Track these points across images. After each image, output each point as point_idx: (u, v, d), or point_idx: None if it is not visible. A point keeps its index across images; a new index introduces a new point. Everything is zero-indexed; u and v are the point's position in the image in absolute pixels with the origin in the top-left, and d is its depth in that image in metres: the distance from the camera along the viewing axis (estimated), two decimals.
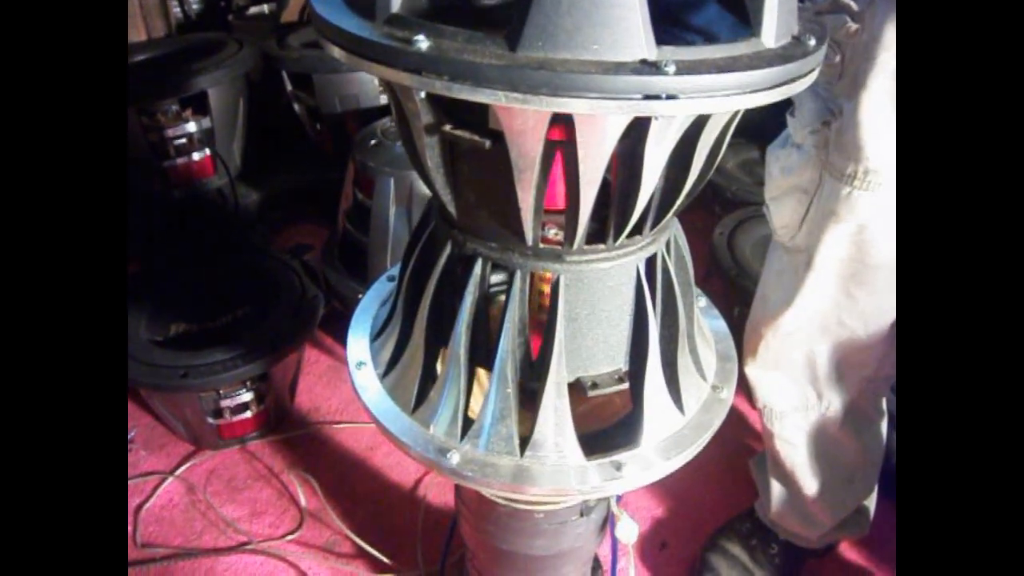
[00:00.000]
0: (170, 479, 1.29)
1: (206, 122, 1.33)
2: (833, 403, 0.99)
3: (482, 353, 0.60)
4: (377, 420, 0.65)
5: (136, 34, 1.62)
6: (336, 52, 0.46)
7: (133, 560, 1.16)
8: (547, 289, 0.58)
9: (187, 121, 1.30)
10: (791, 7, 0.48)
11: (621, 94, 0.39)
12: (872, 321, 0.88)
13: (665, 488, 1.24)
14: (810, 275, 0.86)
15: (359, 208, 1.27)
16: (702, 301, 0.77)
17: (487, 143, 0.47)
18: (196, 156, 1.34)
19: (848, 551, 1.18)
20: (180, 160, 1.32)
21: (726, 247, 1.42)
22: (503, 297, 0.57)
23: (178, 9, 2.07)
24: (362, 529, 1.20)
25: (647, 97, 0.39)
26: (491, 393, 0.59)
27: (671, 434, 0.63)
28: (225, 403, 1.23)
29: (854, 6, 0.72)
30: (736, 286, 1.36)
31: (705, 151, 0.51)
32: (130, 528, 1.22)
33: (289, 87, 1.48)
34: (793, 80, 0.45)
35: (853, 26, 0.72)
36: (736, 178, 1.72)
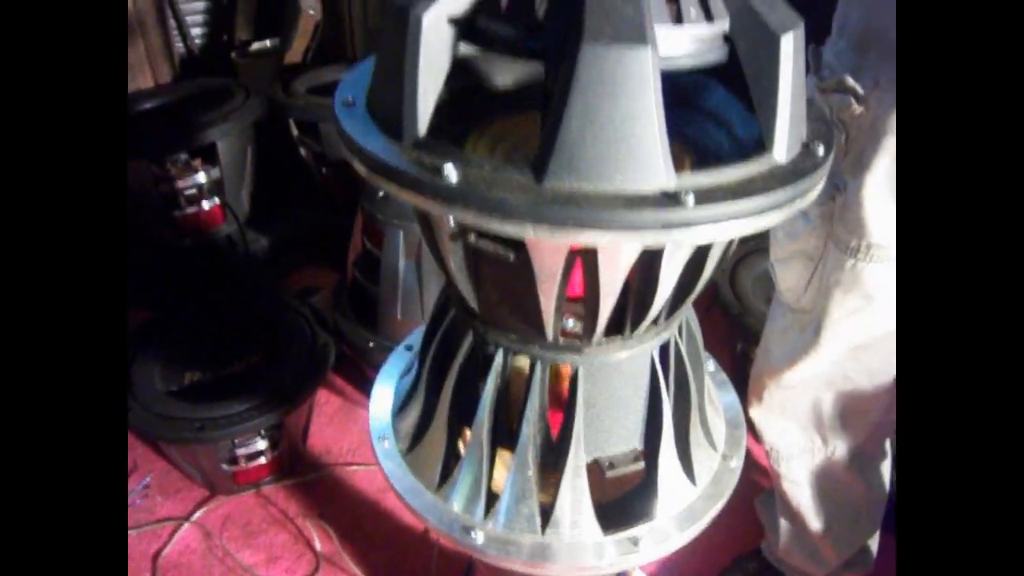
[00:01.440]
0: (186, 525, 1.31)
1: (215, 172, 1.35)
2: (839, 447, 1.01)
3: (504, 433, 0.62)
4: (401, 497, 0.67)
5: (143, 79, 1.64)
6: (363, 172, 0.48)
7: None
8: (566, 371, 0.61)
9: (196, 172, 1.32)
10: (800, 115, 0.50)
11: (643, 227, 0.41)
12: (878, 375, 0.90)
13: None
14: (817, 341, 0.89)
15: (368, 257, 1.29)
16: (710, 365, 0.79)
17: (511, 255, 0.49)
18: (206, 205, 1.36)
19: None
20: (190, 209, 1.35)
21: (728, 283, 1.45)
22: (521, 370, 0.60)
23: (181, 45, 2.10)
24: (377, 572, 1.22)
25: (665, 226, 0.42)
26: (512, 476, 0.61)
27: (685, 507, 0.65)
28: (240, 451, 1.25)
29: (859, 89, 0.75)
30: (738, 322, 1.38)
31: (718, 254, 0.53)
32: (148, 574, 1.24)
33: (295, 132, 1.51)
34: (805, 194, 0.48)
35: (858, 109, 0.75)
36: None
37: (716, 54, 0.47)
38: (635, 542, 0.63)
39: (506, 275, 0.53)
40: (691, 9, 0.46)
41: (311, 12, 1.81)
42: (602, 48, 0.40)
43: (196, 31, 2.13)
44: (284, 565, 1.26)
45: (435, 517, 0.65)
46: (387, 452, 0.71)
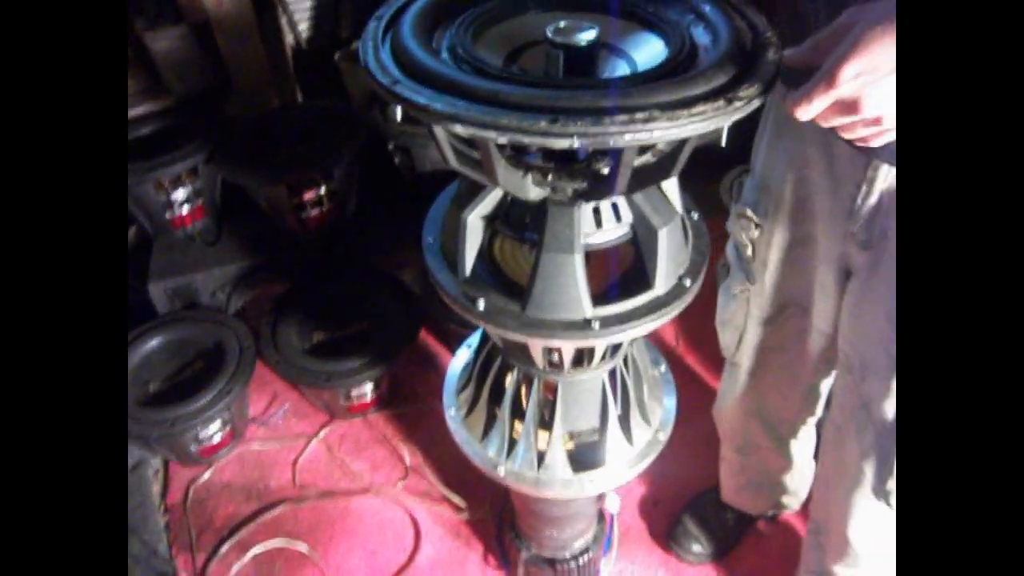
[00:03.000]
0: (315, 441, 1.83)
1: (332, 183, 1.80)
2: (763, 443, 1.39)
3: (519, 411, 1.07)
4: (459, 445, 1.13)
5: (271, 96, 2.08)
6: (439, 290, 0.91)
7: (294, 498, 1.71)
8: (552, 383, 1.05)
9: (319, 186, 1.77)
10: (675, 267, 0.90)
11: (574, 338, 0.84)
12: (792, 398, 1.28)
13: (663, 463, 1.70)
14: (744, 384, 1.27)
15: None
16: (662, 368, 1.21)
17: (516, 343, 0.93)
18: (324, 208, 1.82)
19: (792, 518, 1.63)
20: (313, 212, 1.81)
21: None
22: (528, 379, 1.04)
23: (291, 37, 2.51)
24: (448, 481, 1.71)
25: (585, 337, 0.84)
26: (523, 438, 1.07)
27: (624, 461, 1.09)
28: (353, 392, 1.75)
29: (756, 219, 1.07)
30: None
31: (627, 341, 0.95)
32: (289, 475, 1.77)
33: (391, 146, 1.93)
34: (675, 311, 0.89)
35: (755, 232, 1.08)
36: None
37: (623, 237, 0.88)
38: (591, 479, 1.07)
39: (515, 346, 0.97)
40: (607, 215, 0.86)
41: None
42: (553, 254, 0.82)
43: (303, 26, 2.52)
44: (383, 472, 1.76)
45: (479, 457, 1.11)
46: (452, 417, 1.16)
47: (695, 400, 1.86)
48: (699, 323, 1.99)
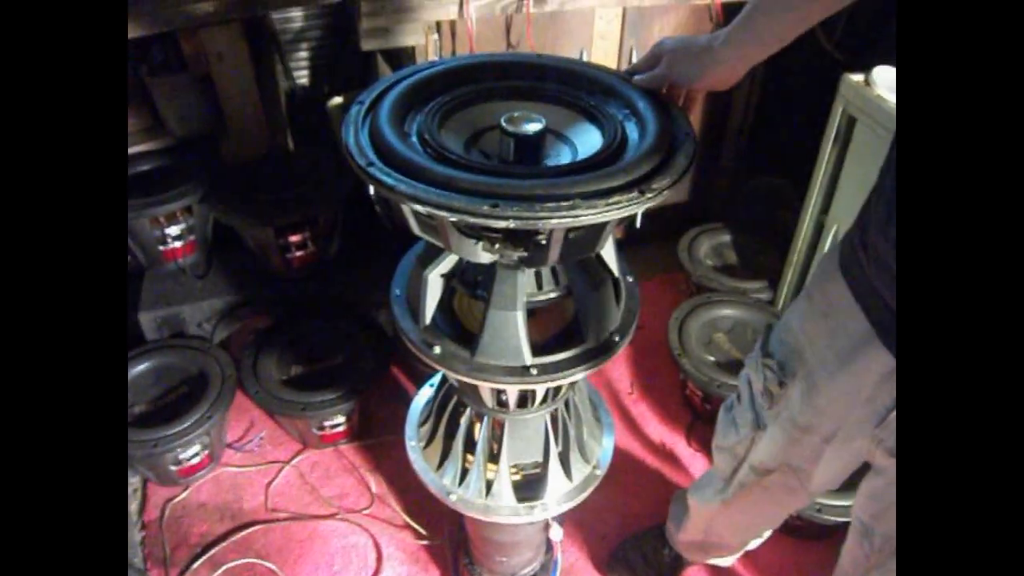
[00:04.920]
0: (288, 467, 1.94)
1: (315, 228, 1.94)
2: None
3: (470, 445, 1.20)
4: (417, 473, 1.26)
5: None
6: (402, 336, 1.05)
7: (265, 520, 1.82)
8: (500, 421, 1.18)
9: (304, 230, 1.91)
10: (607, 321, 1.04)
11: (515, 383, 0.98)
12: None
13: (612, 502, 1.83)
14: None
15: None
16: (602, 411, 1.35)
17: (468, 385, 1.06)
18: (307, 250, 1.96)
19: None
20: (297, 253, 1.94)
21: (677, 330, 1.97)
22: (479, 418, 1.17)
23: (285, 86, 2.66)
24: (411, 510, 1.82)
25: (525, 381, 0.98)
26: (474, 468, 1.20)
27: (563, 492, 1.22)
28: (326, 423, 1.87)
29: (783, 378, 1.04)
30: (678, 364, 1.92)
31: (565, 384, 1.09)
32: (262, 498, 1.87)
33: (372, 194, 2.08)
34: (604, 362, 1.03)
35: (779, 389, 1.05)
36: (701, 263, 2.26)
37: (561, 297, 1.02)
38: (532, 508, 1.20)
39: (467, 387, 1.11)
40: (547, 278, 1.01)
41: None
42: (498, 310, 0.96)
43: (298, 75, 2.68)
44: (351, 499, 1.87)
45: (435, 484, 1.24)
46: (413, 447, 1.29)
47: (646, 446, 2.00)
48: (652, 374, 2.14)
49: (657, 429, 2.03)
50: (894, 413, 0.88)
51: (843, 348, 0.94)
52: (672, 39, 0.93)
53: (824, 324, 0.97)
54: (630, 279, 1.12)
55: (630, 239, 2.46)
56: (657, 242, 2.39)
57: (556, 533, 1.39)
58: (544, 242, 0.91)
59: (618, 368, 2.17)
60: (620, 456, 1.94)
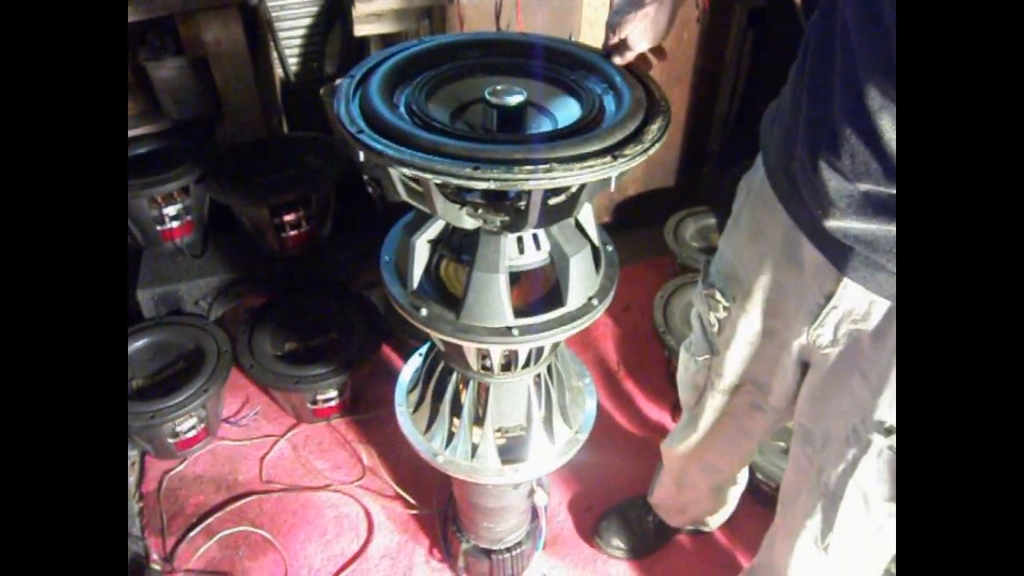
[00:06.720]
0: (282, 441, 1.99)
1: (310, 208, 1.99)
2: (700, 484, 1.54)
3: (457, 409, 1.26)
4: (407, 436, 1.31)
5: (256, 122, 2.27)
6: (392, 300, 1.10)
7: (260, 491, 1.87)
8: (485, 384, 1.23)
9: (298, 210, 1.96)
10: (586, 286, 1.09)
11: (497, 343, 1.03)
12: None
13: (598, 473, 1.89)
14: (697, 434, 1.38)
15: None
16: (587, 380, 1.40)
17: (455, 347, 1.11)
18: (301, 230, 2.01)
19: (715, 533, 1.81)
20: (292, 232, 1.99)
21: (662, 308, 2.03)
22: (466, 381, 1.22)
23: (280, 71, 2.71)
24: (401, 481, 1.88)
25: (507, 341, 1.03)
26: (460, 432, 1.25)
27: (547, 454, 1.28)
28: (319, 397, 1.92)
29: (725, 302, 1.13)
30: (663, 341, 1.97)
31: (548, 346, 1.14)
32: (256, 470, 1.93)
33: (365, 177, 2.13)
34: (583, 325, 1.08)
35: (722, 313, 1.14)
36: (687, 245, 2.31)
37: (542, 262, 1.07)
38: (517, 470, 1.26)
39: (453, 350, 1.16)
40: (529, 244, 1.06)
41: None
42: (482, 272, 1.01)
43: (292, 62, 2.73)
44: (343, 471, 1.92)
45: (423, 448, 1.29)
46: (402, 412, 1.34)
47: (633, 419, 2.06)
48: (639, 353, 2.20)
49: (643, 404, 2.08)
50: (825, 309, 0.95)
51: (774, 259, 1.04)
52: (615, 9, 0.99)
53: (754, 246, 1.08)
54: (610, 248, 1.17)
55: (618, 224, 2.51)
56: (645, 228, 2.45)
57: (541, 498, 1.45)
58: (524, 207, 0.96)
59: (606, 347, 2.23)
60: (607, 429, 2.00)
